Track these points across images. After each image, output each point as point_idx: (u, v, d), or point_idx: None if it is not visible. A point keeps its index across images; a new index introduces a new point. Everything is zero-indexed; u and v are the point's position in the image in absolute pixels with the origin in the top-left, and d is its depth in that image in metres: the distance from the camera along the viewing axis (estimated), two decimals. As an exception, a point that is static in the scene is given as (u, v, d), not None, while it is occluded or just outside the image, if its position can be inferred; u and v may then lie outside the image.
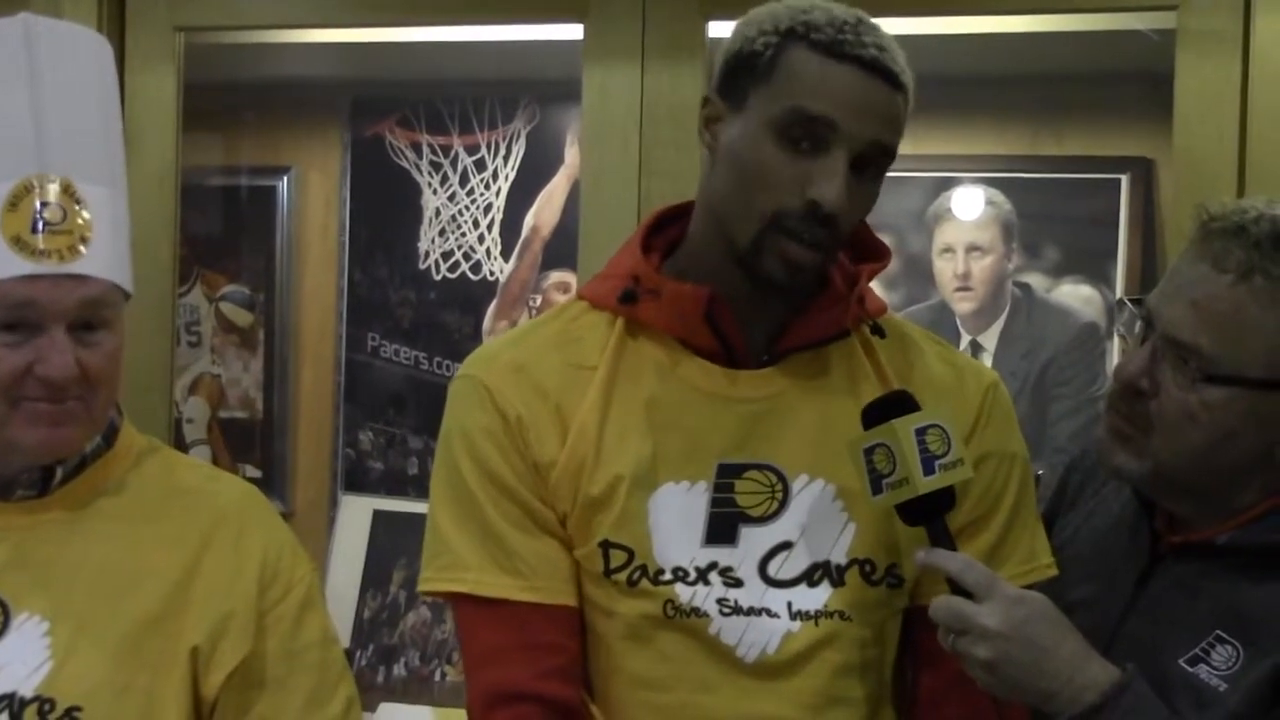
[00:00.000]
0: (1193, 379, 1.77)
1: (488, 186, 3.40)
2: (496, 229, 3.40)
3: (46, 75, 1.73)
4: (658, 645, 1.81)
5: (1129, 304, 1.90)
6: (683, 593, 1.80)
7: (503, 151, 3.39)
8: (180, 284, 3.26)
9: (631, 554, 1.80)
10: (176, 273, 3.06)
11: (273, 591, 1.79)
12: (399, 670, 3.33)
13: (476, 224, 3.40)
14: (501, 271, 3.39)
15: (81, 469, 1.80)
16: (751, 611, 1.80)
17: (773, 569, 1.81)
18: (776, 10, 1.78)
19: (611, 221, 2.70)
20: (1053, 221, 3.07)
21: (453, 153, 3.42)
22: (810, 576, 1.82)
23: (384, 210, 3.48)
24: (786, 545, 1.81)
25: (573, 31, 2.78)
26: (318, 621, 1.84)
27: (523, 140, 3.38)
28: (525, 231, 3.37)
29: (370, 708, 3.21)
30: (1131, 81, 2.97)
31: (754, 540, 1.81)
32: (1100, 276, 3.03)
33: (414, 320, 3.45)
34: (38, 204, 1.69)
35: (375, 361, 3.48)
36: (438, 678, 3.30)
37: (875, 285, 1.93)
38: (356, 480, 3.49)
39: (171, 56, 2.99)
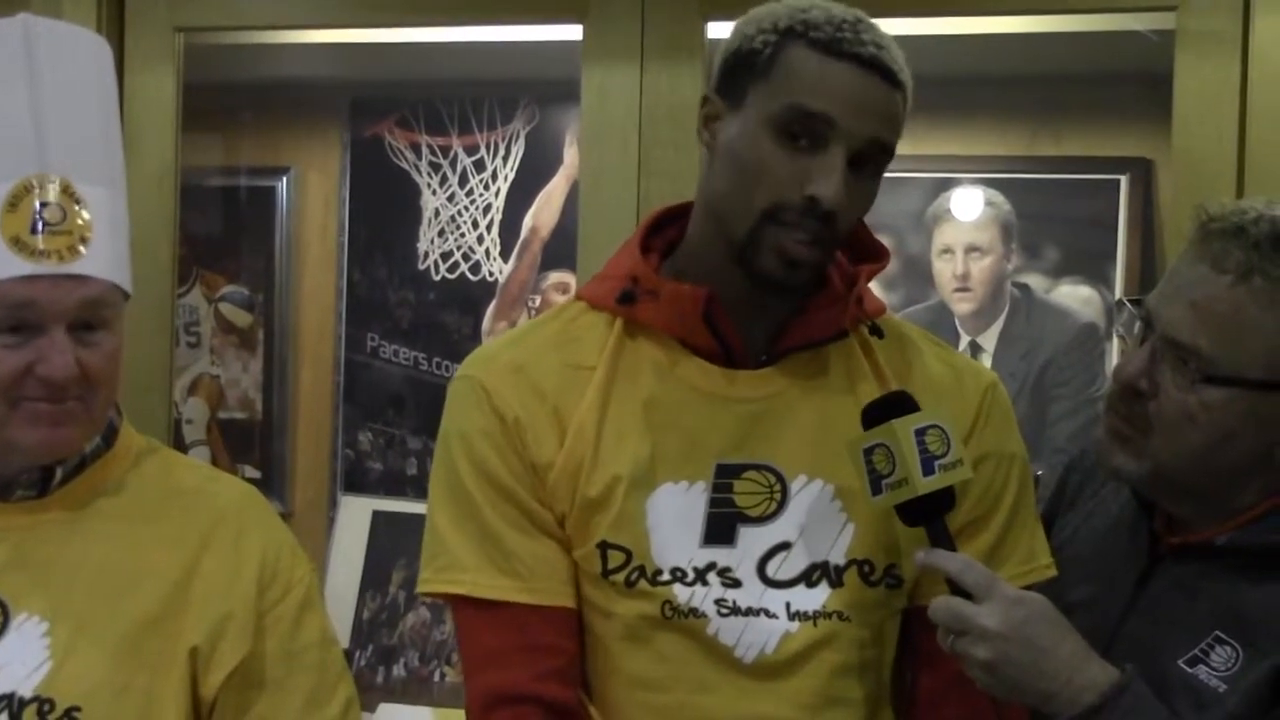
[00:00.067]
0: (1192, 380, 1.77)
1: (487, 187, 3.40)
2: (496, 229, 3.40)
3: (46, 76, 1.73)
4: (656, 646, 1.81)
5: (1128, 305, 1.90)
6: (681, 593, 1.80)
7: (502, 152, 3.39)
8: (179, 284, 3.26)
9: (629, 555, 1.80)
10: (176, 273, 3.07)
11: (272, 592, 1.79)
12: (398, 671, 3.33)
13: (476, 224, 3.40)
14: (501, 272, 3.39)
15: (81, 469, 1.80)
16: (750, 612, 1.80)
17: (771, 569, 1.81)
18: (775, 9, 1.78)
19: (610, 222, 2.70)
20: (1052, 222, 3.07)
21: (452, 153, 3.42)
22: (809, 577, 1.82)
23: (383, 211, 3.48)
24: (785, 546, 1.81)
25: (572, 32, 2.78)
26: (317, 622, 1.84)
27: (522, 141, 3.38)
28: (524, 232, 3.37)
29: (369, 708, 3.21)
30: (1131, 82, 2.98)
31: (752, 540, 1.81)
32: (1099, 277, 3.03)
33: (413, 321, 3.45)
34: (37, 204, 1.69)
35: (374, 362, 3.48)
36: (437, 678, 3.30)
37: (874, 286, 1.93)
38: (356, 481, 3.49)
39: (171, 57, 2.99)
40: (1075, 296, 3.06)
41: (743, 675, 1.80)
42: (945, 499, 1.75)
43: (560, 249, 3.29)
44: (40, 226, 1.68)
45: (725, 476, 1.82)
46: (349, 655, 3.24)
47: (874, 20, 1.77)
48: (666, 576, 1.80)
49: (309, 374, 3.59)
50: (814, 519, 1.82)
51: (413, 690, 3.32)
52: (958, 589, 1.72)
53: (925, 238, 3.11)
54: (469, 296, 3.42)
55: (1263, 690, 1.74)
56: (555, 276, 3.36)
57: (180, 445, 3.44)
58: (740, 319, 1.82)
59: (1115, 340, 2.92)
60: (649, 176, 2.71)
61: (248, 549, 1.80)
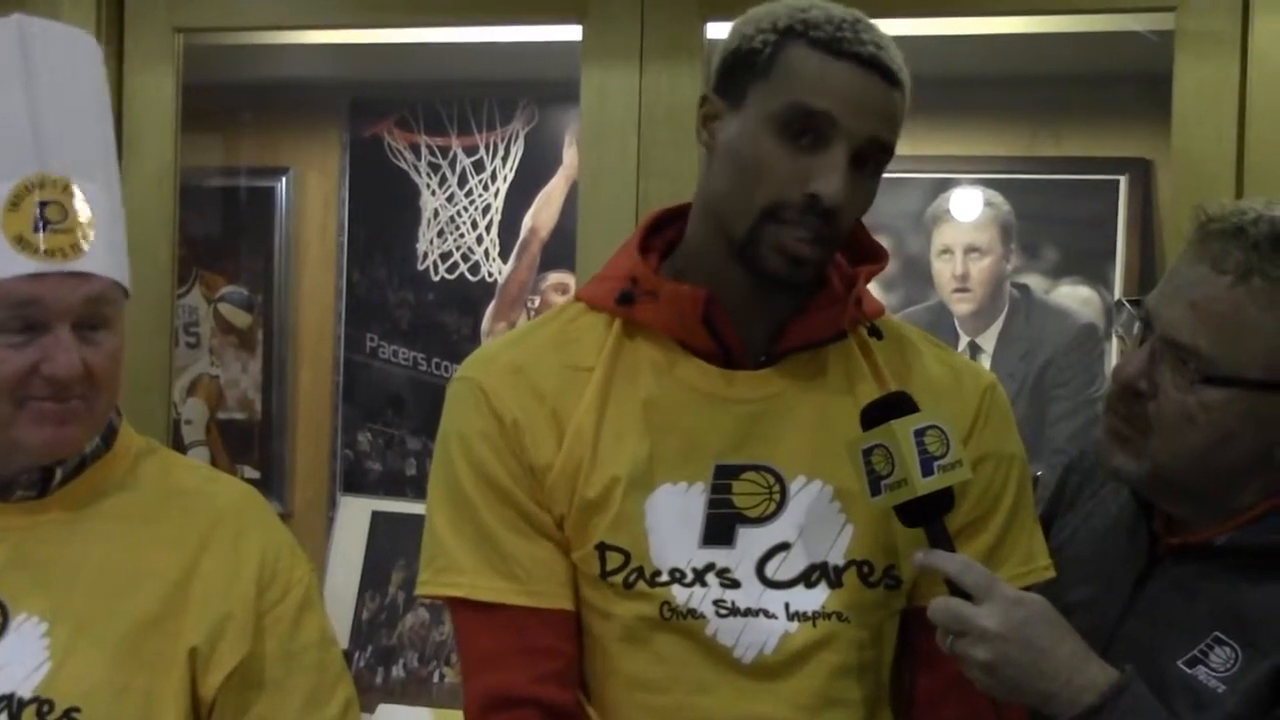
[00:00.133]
0: (1191, 380, 1.77)
1: (486, 187, 3.39)
2: (495, 230, 3.39)
3: (42, 75, 1.74)
4: (654, 647, 1.81)
5: (1127, 305, 1.90)
6: (679, 594, 1.80)
7: (501, 152, 3.38)
8: (179, 285, 3.26)
9: (628, 556, 1.80)
10: (175, 273, 3.06)
11: (271, 592, 1.79)
12: (397, 671, 3.33)
13: (475, 225, 3.40)
14: (500, 272, 3.39)
15: (80, 470, 1.80)
16: (749, 612, 1.80)
17: (770, 570, 1.81)
18: (774, 9, 1.79)
19: (610, 222, 2.70)
20: (1051, 223, 3.07)
21: (451, 154, 3.42)
22: (808, 577, 1.82)
23: (382, 211, 3.48)
24: (784, 546, 1.82)
25: (571, 33, 2.78)
26: (316, 622, 1.84)
27: (521, 141, 3.37)
28: (523, 232, 3.37)
29: (369, 709, 3.21)
30: (1130, 83, 2.97)
31: (751, 541, 1.81)
32: (1099, 278, 3.03)
33: (412, 321, 3.45)
34: (38, 203, 1.70)
35: (374, 362, 3.47)
36: (436, 679, 3.30)
37: (873, 287, 1.93)
38: (355, 481, 3.49)
39: (170, 57, 2.99)
40: (1074, 297, 3.06)
41: (742, 676, 1.80)
42: (944, 500, 1.75)
43: (559, 249, 3.29)
44: (43, 225, 1.69)
45: (724, 477, 1.82)
46: (348, 656, 3.24)
47: (874, 21, 1.78)
48: (665, 577, 1.80)
49: (308, 374, 3.59)
50: (813, 520, 1.82)
51: (412, 691, 3.32)
52: (957, 590, 1.72)
53: (924, 238, 3.11)
54: (468, 297, 3.41)
55: (1262, 690, 1.74)
56: (554, 277, 3.36)
57: (179, 446, 3.44)
58: (739, 320, 1.82)
59: (1114, 341, 2.92)
60: (648, 177, 2.71)
61: (247, 549, 1.80)
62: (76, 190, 1.73)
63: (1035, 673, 1.71)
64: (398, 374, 3.46)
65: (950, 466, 1.73)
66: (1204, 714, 1.75)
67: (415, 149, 3.44)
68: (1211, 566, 1.82)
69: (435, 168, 3.42)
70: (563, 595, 1.83)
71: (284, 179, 3.56)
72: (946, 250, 3.10)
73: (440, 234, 3.43)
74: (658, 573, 1.80)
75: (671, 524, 1.80)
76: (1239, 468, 1.81)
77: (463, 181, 3.41)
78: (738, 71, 1.78)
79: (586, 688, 1.86)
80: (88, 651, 1.72)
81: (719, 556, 1.81)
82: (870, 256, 1.89)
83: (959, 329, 3.09)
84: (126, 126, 2.99)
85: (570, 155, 3.31)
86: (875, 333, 1.88)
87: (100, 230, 1.73)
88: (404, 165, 3.45)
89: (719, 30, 1.86)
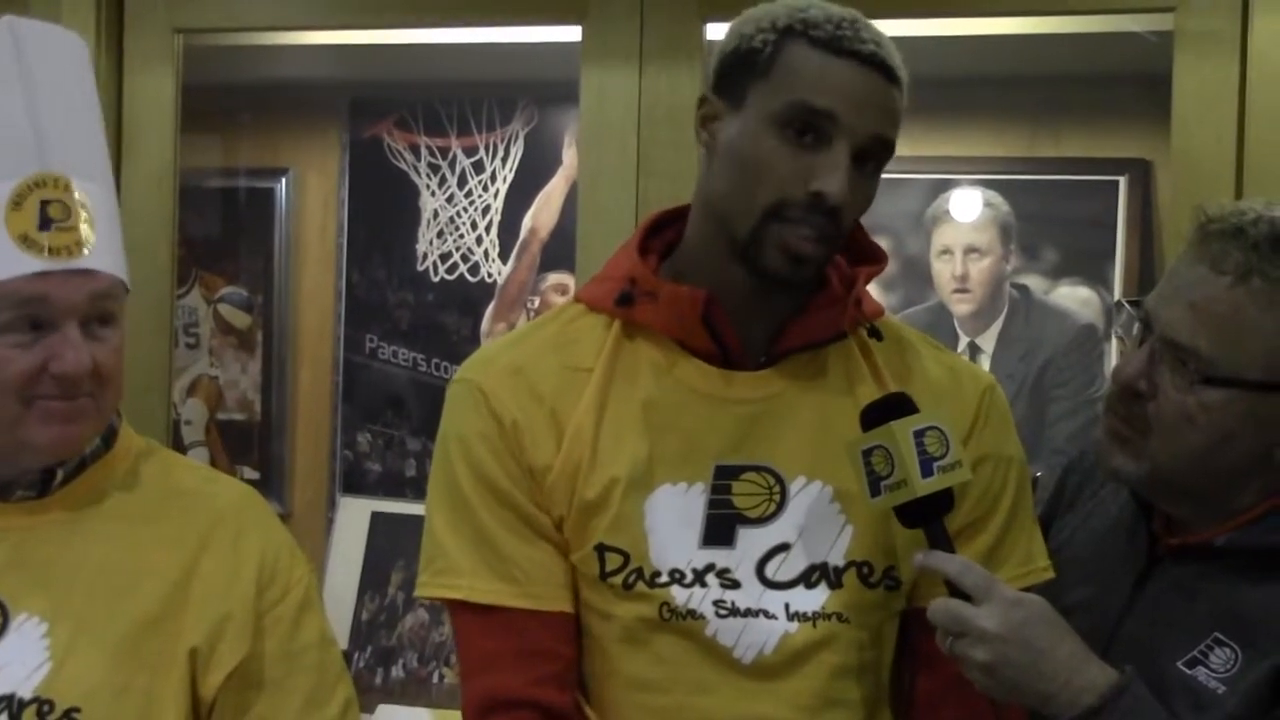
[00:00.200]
0: (1191, 381, 1.77)
1: (486, 188, 3.39)
2: (494, 231, 3.39)
3: (37, 76, 1.75)
4: (654, 648, 1.81)
5: (1127, 306, 1.90)
6: (679, 595, 1.80)
7: (501, 153, 3.38)
8: (178, 285, 3.26)
9: (627, 557, 1.80)
10: (175, 274, 3.06)
11: (271, 592, 1.80)
12: (397, 672, 3.33)
13: (474, 226, 3.40)
14: (499, 273, 3.39)
15: (81, 470, 1.80)
16: (749, 613, 1.80)
17: (770, 570, 1.81)
18: (772, 9, 1.79)
19: (609, 223, 2.70)
20: (1051, 223, 3.07)
21: (451, 154, 3.42)
22: (808, 578, 1.82)
23: (382, 212, 3.48)
24: (784, 547, 1.82)
25: (571, 33, 2.78)
26: (316, 623, 1.84)
27: (521, 142, 3.37)
28: (523, 233, 3.37)
29: (368, 709, 3.21)
30: (1129, 83, 2.98)
31: (751, 542, 1.81)
32: (1098, 278, 3.03)
33: (412, 322, 3.45)
34: (40, 202, 1.70)
35: (373, 363, 3.47)
36: (436, 680, 3.30)
37: (873, 287, 1.93)
38: (355, 482, 3.49)
39: (170, 58, 2.99)
40: (1074, 297, 3.06)
41: (741, 676, 1.81)
42: (944, 501, 1.75)
43: (559, 250, 3.29)
44: (47, 224, 1.70)
45: (724, 478, 1.82)
46: (348, 656, 3.24)
47: (874, 21, 1.78)
48: (665, 578, 1.80)
49: (308, 375, 3.59)
50: (813, 520, 1.82)
51: (411, 691, 3.32)
52: (956, 591, 1.72)
53: (924, 239, 3.11)
54: (468, 298, 3.41)
55: (1262, 691, 1.74)
56: (554, 278, 3.36)
57: (179, 446, 3.44)
58: (739, 320, 1.82)
59: (1114, 341, 2.92)
60: (648, 177, 2.71)
61: (247, 550, 1.80)
62: (77, 188, 1.73)
63: (1034, 674, 1.71)
64: (397, 375, 3.46)
65: (950, 467, 1.73)
66: (1204, 715, 1.75)
67: (415, 149, 3.44)
68: (1211, 567, 1.82)
69: (435, 168, 3.42)
70: (561, 597, 1.84)
71: (283, 180, 3.56)
72: (946, 251, 3.10)
73: (440, 235, 3.43)
74: (657, 573, 1.80)
75: (671, 524, 1.80)
76: (1238, 468, 1.81)
77: (462, 182, 3.41)
78: (737, 72, 1.78)
79: (586, 688, 1.87)
80: (88, 652, 1.72)
81: (719, 557, 1.81)
82: (870, 258, 1.90)
83: (958, 329, 3.09)
84: (126, 127, 2.99)
85: (570, 156, 3.31)
86: (875, 334, 1.88)
87: (101, 228, 1.74)
88: (404, 166, 3.45)
89: (718, 31, 1.86)
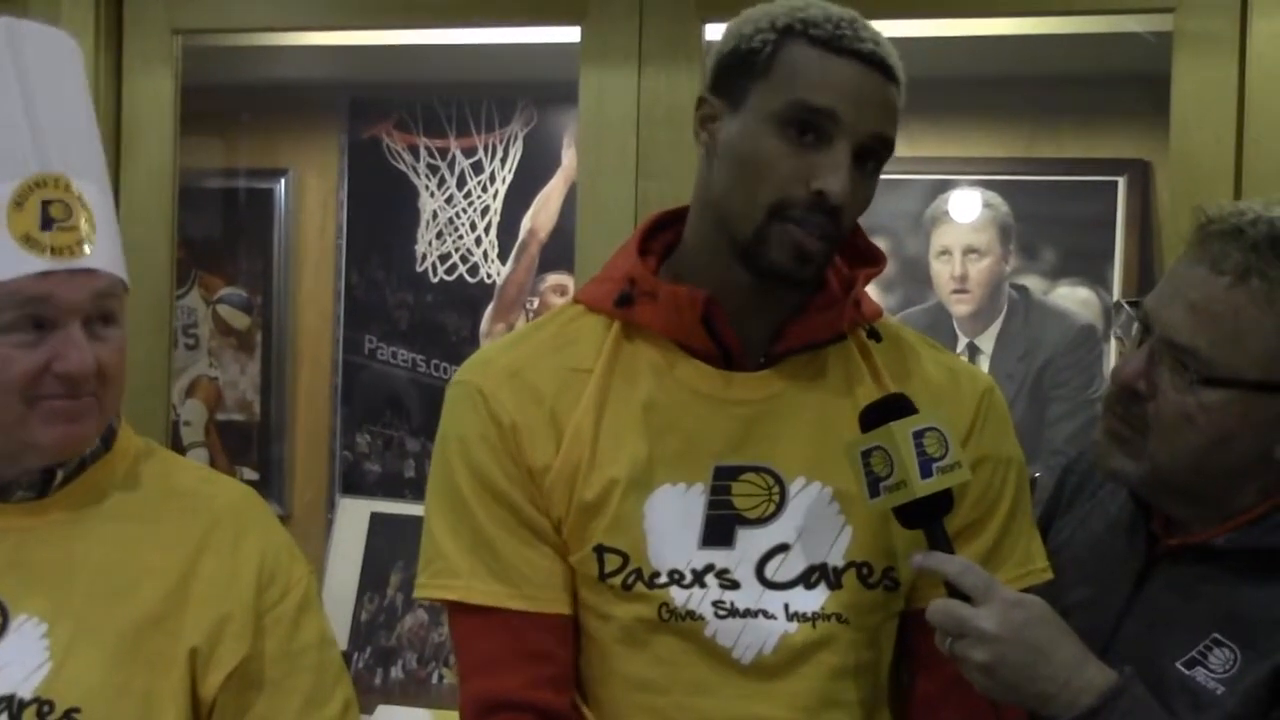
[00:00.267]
0: (1190, 381, 1.77)
1: (485, 189, 3.39)
2: (494, 231, 3.40)
3: (34, 76, 1.75)
4: (653, 648, 1.81)
5: (1126, 306, 1.90)
6: (678, 596, 1.80)
7: (500, 154, 3.38)
8: (178, 286, 3.26)
9: (626, 558, 1.81)
10: (174, 275, 3.06)
11: (270, 593, 1.80)
12: (396, 673, 3.33)
13: (474, 226, 3.40)
14: (499, 274, 3.39)
15: (80, 471, 1.80)
16: (748, 613, 1.80)
17: (770, 571, 1.81)
18: (770, 9, 1.79)
19: (608, 224, 2.70)
20: (1050, 224, 3.07)
21: (450, 155, 3.42)
22: (807, 579, 1.82)
23: (381, 213, 3.48)
24: (784, 547, 1.82)
25: (570, 34, 2.78)
26: (315, 623, 1.84)
27: (520, 143, 3.37)
28: (522, 234, 3.37)
29: (368, 710, 3.21)
30: (1128, 84, 2.98)
31: (751, 542, 1.81)
32: (1097, 279, 3.03)
33: (411, 323, 3.45)
34: (42, 202, 1.71)
35: (372, 364, 3.47)
36: (435, 680, 3.31)
37: (872, 288, 1.93)
38: (354, 483, 3.49)
39: (169, 59, 2.99)
40: (1073, 298, 3.06)
41: (741, 676, 1.81)
42: (943, 501, 1.75)
43: (558, 251, 3.29)
44: (49, 224, 1.70)
45: (724, 478, 1.82)
46: (347, 657, 3.24)
47: (874, 22, 1.79)
48: (664, 579, 1.80)
49: (307, 376, 3.59)
50: (812, 521, 1.82)
51: (411, 692, 3.32)
52: (956, 591, 1.72)
53: (923, 239, 3.11)
54: (467, 298, 3.41)
55: (1261, 692, 1.74)
56: (553, 278, 3.36)
57: (178, 447, 3.44)
58: (739, 321, 1.82)
59: (1113, 342, 2.92)
60: (647, 178, 2.71)
61: (246, 550, 1.80)
62: (77, 188, 1.74)
63: (1033, 674, 1.71)
64: (396, 375, 3.46)
65: (949, 468, 1.73)
66: (1203, 715, 1.75)
67: (414, 150, 3.44)
68: (1210, 567, 1.82)
69: (434, 169, 3.42)
70: (559, 599, 1.84)
71: (283, 180, 3.56)
72: (945, 251, 3.10)
73: (439, 235, 3.43)
74: (656, 574, 1.80)
75: (671, 525, 1.81)
76: (1238, 469, 1.81)
77: (461, 183, 3.41)
78: (736, 72, 1.78)
79: (585, 689, 1.87)
80: (88, 652, 1.72)
81: (718, 557, 1.81)
82: (869, 259, 1.90)
83: (958, 330, 3.09)
84: (125, 128, 2.99)
85: (569, 156, 3.31)
86: (874, 335, 1.88)
87: (101, 227, 1.75)
88: (403, 167, 3.45)
89: (717, 31, 1.86)
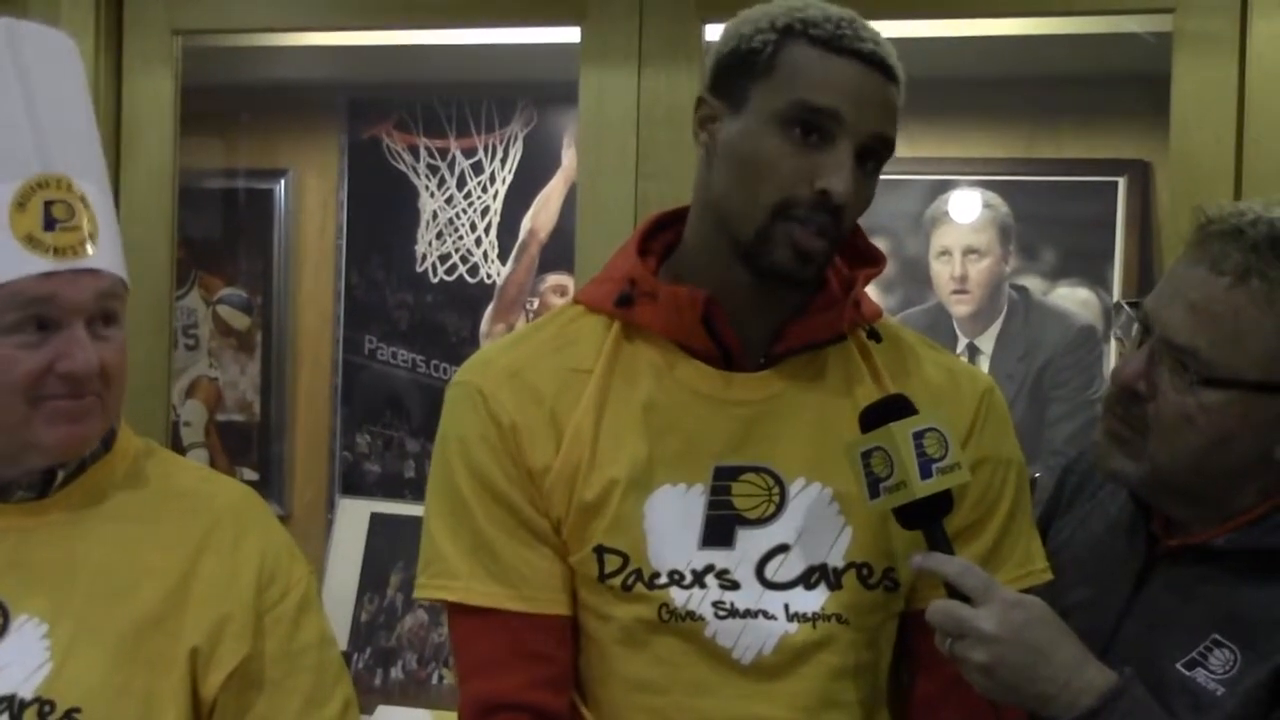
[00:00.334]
0: (1190, 382, 1.77)
1: (485, 189, 3.40)
2: (494, 232, 3.40)
3: (34, 77, 1.75)
4: (653, 649, 1.81)
5: (1126, 307, 1.90)
6: (678, 596, 1.80)
7: (500, 154, 3.38)
8: (178, 286, 3.26)
9: (626, 559, 1.81)
10: (174, 275, 3.06)
11: (271, 592, 1.80)
12: (396, 673, 3.33)
13: (474, 227, 3.40)
14: (499, 274, 3.39)
15: (80, 471, 1.80)
16: (748, 614, 1.80)
17: (770, 571, 1.81)
18: (770, 9, 1.79)
19: (608, 224, 2.70)
20: (1050, 224, 3.07)
21: (450, 155, 3.42)
22: (807, 579, 1.82)
23: (381, 213, 3.48)
24: (783, 548, 1.82)
25: (570, 34, 2.78)
26: (315, 623, 1.84)
27: (520, 143, 3.38)
28: (522, 234, 3.37)
29: (368, 710, 3.21)
30: (1128, 84, 2.98)
31: (751, 543, 1.81)
32: (1097, 279, 3.03)
33: (411, 323, 3.45)
34: (44, 203, 1.71)
35: (372, 364, 3.47)
36: (435, 680, 3.31)
37: (872, 289, 1.93)
38: (354, 483, 3.49)
39: (169, 59, 2.99)
40: (1073, 298, 3.06)
41: (740, 677, 1.81)
42: (943, 502, 1.75)
43: (558, 251, 3.29)
44: (51, 224, 1.70)
45: (724, 479, 1.82)
46: (347, 657, 3.24)
47: (874, 22, 1.79)
48: (664, 579, 1.80)
49: (307, 376, 3.59)
50: (812, 522, 1.82)
51: (411, 692, 3.32)
52: (955, 592, 1.72)
53: (923, 240, 3.11)
54: (467, 299, 3.41)
55: (1261, 693, 1.74)
56: (553, 279, 3.36)
57: (178, 447, 3.44)
58: (739, 321, 1.82)
59: (1113, 342, 2.92)
60: (647, 178, 2.71)
61: (246, 550, 1.80)
62: (78, 189, 1.74)
63: (1033, 675, 1.71)
64: (396, 376, 3.46)
65: (949, 469, 1.73)
66: (1203, 716, 1.75)
67: (414, 151, 3.44)
68: (1210, 568, 1.82)
69: (434, 169, 3.43)
70: (558, 601, 1.84)
71: (283, 181, 3.56)
72: (945, 252, 3.10)
73: (439, 236, 3.43)
74: (656, 575, 1.80)
75: (671, 525, 1.81)
76: (1238, 469, 1.81)
77: (461, 183, 3.41)
78: (737, 72, 1.78)
79: (584, 689, 1.87)
80: (88, 652, 1.72)
81: (718, 558, 1.81)
82: (868, 260, 1.90)
83: (958, 330, 3.09)
84: (125, 128, 2.99)
85: (569, 157, 3.31)
86: (874, 335, 1.88)
87: (103, 227, 1.75)
88: (403, 167, 3.45)
89: (717, 32, 1.86)
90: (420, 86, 3.46)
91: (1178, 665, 1.79)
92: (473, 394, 1.85)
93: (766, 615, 1.80)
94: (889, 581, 1.84)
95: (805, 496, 1.82)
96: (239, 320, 3.59)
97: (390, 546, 3.37)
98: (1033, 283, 3.08)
